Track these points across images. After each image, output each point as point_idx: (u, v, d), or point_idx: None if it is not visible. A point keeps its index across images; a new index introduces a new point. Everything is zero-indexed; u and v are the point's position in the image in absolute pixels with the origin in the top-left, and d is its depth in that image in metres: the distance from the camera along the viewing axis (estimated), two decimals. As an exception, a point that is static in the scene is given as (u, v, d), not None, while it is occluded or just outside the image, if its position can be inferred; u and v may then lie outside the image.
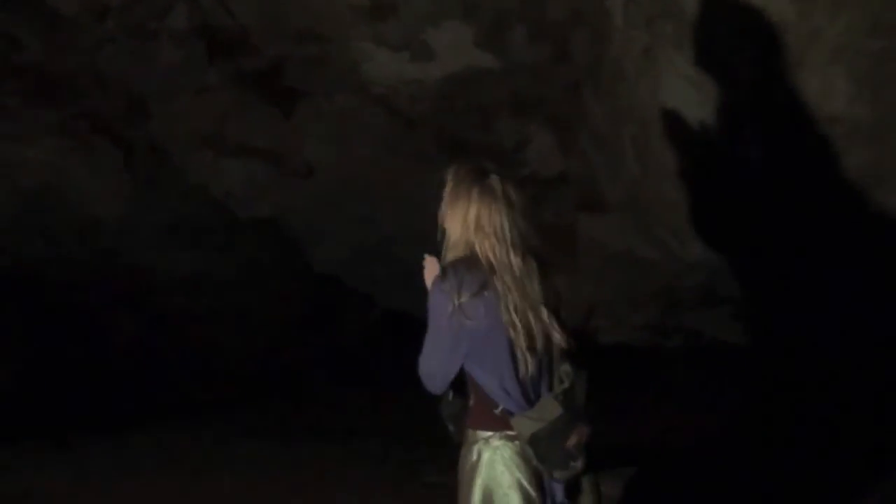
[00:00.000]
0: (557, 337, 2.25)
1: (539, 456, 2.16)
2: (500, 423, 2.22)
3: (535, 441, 2.15)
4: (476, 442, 2.24)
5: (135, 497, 5.32)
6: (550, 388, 2.23)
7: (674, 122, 4.30)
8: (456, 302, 2.17)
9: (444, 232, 2.34)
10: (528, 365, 2.19)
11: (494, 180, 2.27)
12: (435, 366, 2.23)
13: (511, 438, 2.20)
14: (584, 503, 2.28)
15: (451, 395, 2.34)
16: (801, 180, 4.17)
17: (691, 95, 4.13)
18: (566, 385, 2.22)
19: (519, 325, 2.19)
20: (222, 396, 8.47)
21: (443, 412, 2.40)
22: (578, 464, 2.18)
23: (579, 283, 5.74)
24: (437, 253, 2.38)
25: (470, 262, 2.24)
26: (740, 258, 5.07)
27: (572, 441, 2.17)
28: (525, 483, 2.18)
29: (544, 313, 2.24)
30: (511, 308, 2.18)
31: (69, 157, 7.08)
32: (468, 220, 2.24)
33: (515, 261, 2.22)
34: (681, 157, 4.46)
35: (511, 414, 2.19)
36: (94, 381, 8.54)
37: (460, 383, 2.32)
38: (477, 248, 2.24)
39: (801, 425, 5.44)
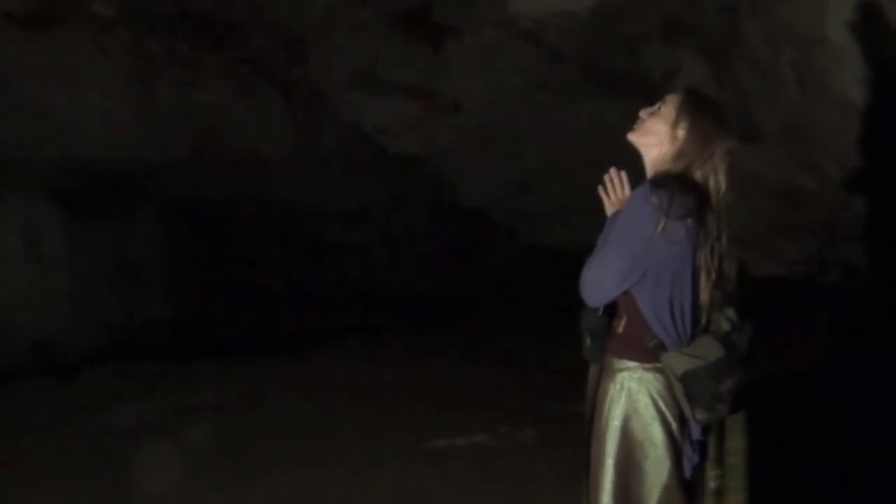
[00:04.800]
0: (729, 281, 2.16)
1: (688, 394, 2.10)
2: (647, 356, 2.15)
3: (688, 378, 2.09)
4: (619, 371, 2.18)
5: (302, 411, 5.77)
6: (707, 330, 2.15)
7: (841, 43, 4.10)
8: (662, 219, 2.07)
9: (646, 143, 2.25)
10: (704, 305, 2.13)
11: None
12: (608, 275, 2.13)
13: (658, 371, 2.14)
14: (732, 445, 2.25)
15: (601, 309, 2.26)
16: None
17: (861, 12, 3.92)
18: (727, 329, 2.15)
19: (713, 265, 2.11)
20: (375, 323, 8.92)
21: (584, 325, 2.30)
22: (723, 408, 2.13)
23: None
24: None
25: (685, 182, 2.14)
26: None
27: (726, 385, 2.10)
28: (669, 417, 2.13)
29: (733, 255, 2.16)
30: (714, 246, 2.11)
31: (235, 100, 7.54)
32: (706, 142, 2.15)
33: (729, 197, 2.14)
34: (848, 79, 4.25)
35: (664, 348, 2.12)
36: (256, 306, 9.22)
37: (610, 304, 2.24)
38: (699, 172, 2.15)
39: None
